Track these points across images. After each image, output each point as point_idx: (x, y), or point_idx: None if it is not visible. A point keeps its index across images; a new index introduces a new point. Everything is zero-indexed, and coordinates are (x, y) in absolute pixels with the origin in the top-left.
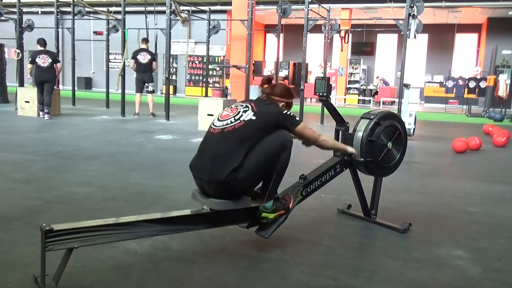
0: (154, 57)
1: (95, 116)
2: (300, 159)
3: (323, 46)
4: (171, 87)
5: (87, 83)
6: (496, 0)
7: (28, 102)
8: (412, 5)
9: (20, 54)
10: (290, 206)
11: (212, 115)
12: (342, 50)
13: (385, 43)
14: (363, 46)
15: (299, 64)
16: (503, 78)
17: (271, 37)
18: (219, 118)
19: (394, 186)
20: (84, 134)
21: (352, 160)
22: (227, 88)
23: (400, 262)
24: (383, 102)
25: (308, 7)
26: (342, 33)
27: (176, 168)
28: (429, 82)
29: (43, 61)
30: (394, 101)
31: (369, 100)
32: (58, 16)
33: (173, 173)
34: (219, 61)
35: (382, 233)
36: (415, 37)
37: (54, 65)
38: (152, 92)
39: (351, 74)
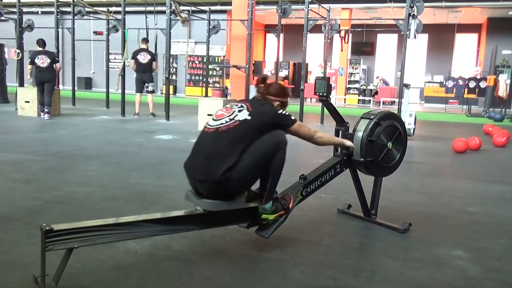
0: (154, 57)
1: (95, 116)
2: (300, 159)
3: (323, 46)
4: (171, 87)
5: (87, 83)
6: (496, 0)
7: (28, 102)
8: (412, 5)
9: (20, 54)
10: (290, 206)
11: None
12: (342, 50)
13: (385, 43)
14: (363, 46)
15: (299, 64)
16: (503, 78)
17: (271, 37)
18: (214, 118)
19: (394, 186)
20: (84, 134)
21: (352, 160)
22: (227, 88)
23: (400, 262)
24: (383, 102)
25: (308, 7)
26: (342, 33)
27: (176, 168)
28: (429, 82)
29: (42, 61)
30: (394, 101)
31: (369, 100)
32: (58, 16)
33: (173, 173)
34: (219, 61)
35: (382, 233)
36: (415, 37)
37: (54, 65)
38: (152, 92)
39: (351, 74)
